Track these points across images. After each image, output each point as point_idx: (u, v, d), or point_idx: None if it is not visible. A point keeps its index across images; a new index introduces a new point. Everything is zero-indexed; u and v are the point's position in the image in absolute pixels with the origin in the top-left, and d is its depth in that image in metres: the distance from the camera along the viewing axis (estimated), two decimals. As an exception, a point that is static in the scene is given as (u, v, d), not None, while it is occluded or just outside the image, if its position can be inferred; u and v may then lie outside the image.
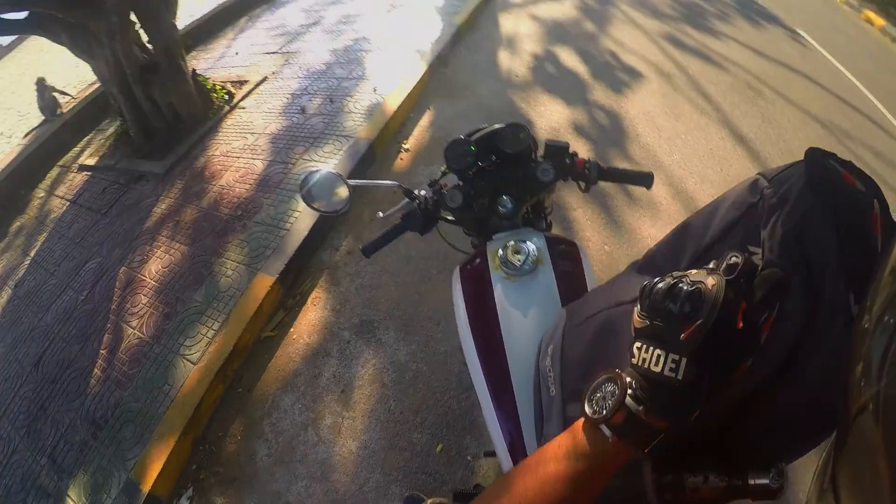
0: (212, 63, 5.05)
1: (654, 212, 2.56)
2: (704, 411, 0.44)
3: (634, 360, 0.46)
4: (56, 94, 4.77)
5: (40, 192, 4.24)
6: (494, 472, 1.95)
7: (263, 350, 2.44)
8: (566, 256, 1.04)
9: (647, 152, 2.79)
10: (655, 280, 0.47)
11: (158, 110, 3.72)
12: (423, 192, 1.19)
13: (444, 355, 2.20)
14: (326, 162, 2.61)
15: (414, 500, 1.93)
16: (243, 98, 4.12)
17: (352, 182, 1.18)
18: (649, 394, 0.44)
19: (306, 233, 2.57)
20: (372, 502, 1.99)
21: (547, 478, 0.45)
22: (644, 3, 3.90)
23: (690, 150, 2.80)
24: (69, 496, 2.38)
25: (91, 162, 3.91)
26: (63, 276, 3.40)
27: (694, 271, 0.45)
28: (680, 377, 0.42)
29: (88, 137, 4.56)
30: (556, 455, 0.47)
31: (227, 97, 4.19)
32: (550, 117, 3.00)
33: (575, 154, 1.13)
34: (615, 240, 2.49)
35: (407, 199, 1.20)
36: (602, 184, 2.70)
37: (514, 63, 3.48)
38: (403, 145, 2.96)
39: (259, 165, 3.06)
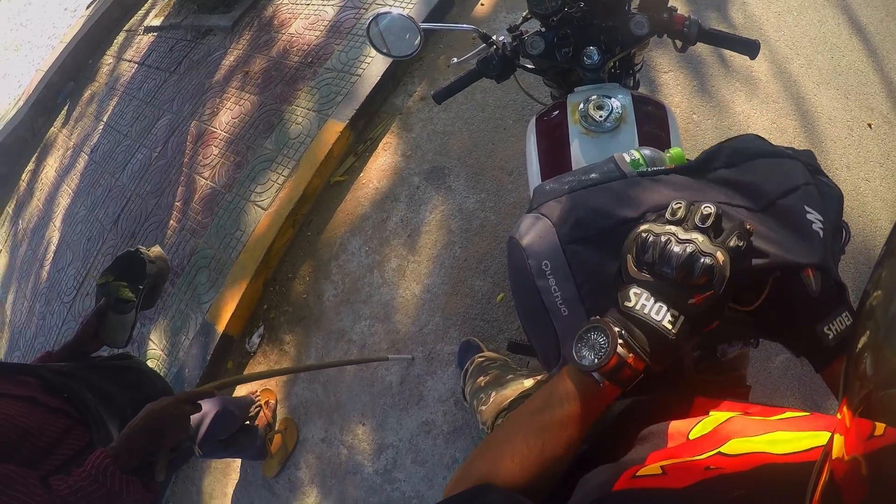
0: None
1: (751, 87, 2.32)
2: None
3: (630, 304, 0.48)
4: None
5: (108, 59, 4.28)
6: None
7: (333, 195, 2.43)
8: (652, 118, 0.99)
9: (751, 23, 2.49)
10: (662, 239, 0.47)
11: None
12: (501, 38, 1.13)
13: (513, 206, 2.13)
14: (400, 7, 2.43)
15: (471, 346, 1.95)
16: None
17: (424, 25, 1.15)
18: (640, 339, 0.47)
19: (378, 78, 2.47)
20: (430, 343, 2.03)
21: (544, 425, 0.50)
22: None
23: (801, 30, 2.48)
24: (151, 339, 2.54)
25: (157, 22, 3.88)
26: (136, 136, 3.48)
27: (701, 238, 0.47)
28: (675, 331, 0.46)
29: (153, -1, 4.48)
30: (549, 402, 0.51)
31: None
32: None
33: (674, 9, 1.03)
34: (705, 110, 2.29)
35: (483, 45, 1.17)
36: (699, 49, 2.47)
37: None
38: (486, -8, 2.72)
39: (329, 12, 2.92)
